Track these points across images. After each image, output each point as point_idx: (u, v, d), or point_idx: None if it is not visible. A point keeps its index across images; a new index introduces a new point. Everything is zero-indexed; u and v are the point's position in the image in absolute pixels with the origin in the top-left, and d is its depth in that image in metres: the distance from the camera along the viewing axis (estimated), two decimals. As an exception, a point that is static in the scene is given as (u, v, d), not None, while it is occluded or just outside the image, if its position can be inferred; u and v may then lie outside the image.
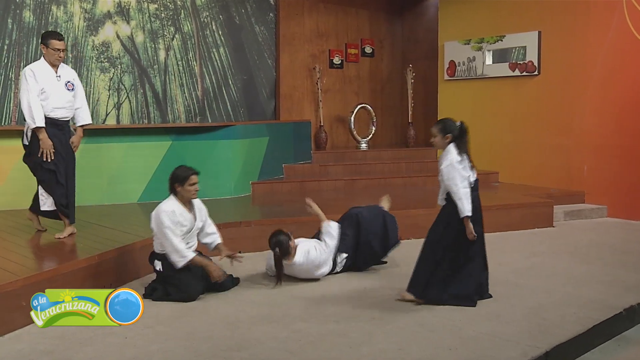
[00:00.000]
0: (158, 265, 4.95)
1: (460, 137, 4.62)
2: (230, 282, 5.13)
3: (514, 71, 9.31)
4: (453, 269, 4.61)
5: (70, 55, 8.54)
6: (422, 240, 6.86)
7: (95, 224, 6.46)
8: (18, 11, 8.19)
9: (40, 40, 5.73)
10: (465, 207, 4.47)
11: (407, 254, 6.28)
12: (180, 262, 4.84)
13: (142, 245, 5.51)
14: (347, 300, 4.80)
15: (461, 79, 10.11)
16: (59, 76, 5.64)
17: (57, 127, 5.66)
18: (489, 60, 9.69)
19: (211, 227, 5.29)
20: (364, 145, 10.71)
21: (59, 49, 5.58)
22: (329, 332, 4.13)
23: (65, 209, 5.74)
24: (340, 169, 9.60)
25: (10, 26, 8.12)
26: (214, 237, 5.28)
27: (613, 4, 8.12)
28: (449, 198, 4.62)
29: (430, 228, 4.79)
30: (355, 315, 4.44)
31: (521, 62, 9.18)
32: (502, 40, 9.43)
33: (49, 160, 5.57)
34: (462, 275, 4.60)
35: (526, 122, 9.14)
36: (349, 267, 5.60)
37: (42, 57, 5.66)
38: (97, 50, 8.79)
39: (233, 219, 6.59)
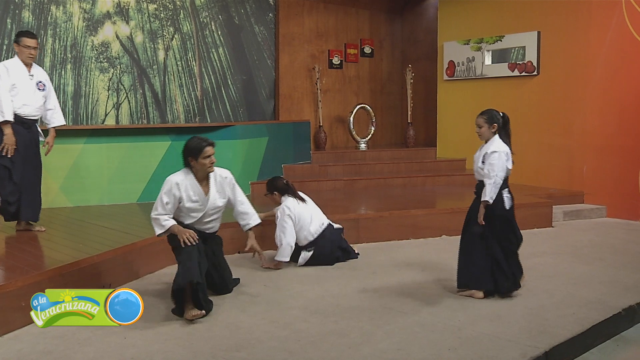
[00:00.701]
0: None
1: (504, 128, 4.73)
2: (231, 285, 5.08)
3: (513, 71, 9.32)
4: (498, 259, 4.73)
5: (70, 56, 8.53)
6: (422, 240, 6.99)
7: (95, 224, 6.47)
8: (17, 11, 8.18)
9: (13, 39, 5.83)
10: (492, 193, 4.59)
11: (407, 254, 6.30)
12: (158, 231, 4.61)
13: (142, 245, 5.52)
14: (347, 300, 4.80)
15: (460, 79, 10.12)
16: (32, 75, 5.77)
17: (24, 126, 5.70)
18: (488, 60, 9.70)
19: (244, 206, 5.02)
20: (363, 146, 10.71)
21: (29, 46, 5.71)
22: (329, 332, 4.13)
23: (9, 207, 5.73)
24: (340, 169, 9.60)
25: (9, 26, 8.11)
26: (247, 217, 5.05)
27: (612, 4, 8.12)
28: (477, 192, 4.73)
29: (467, 227, 4.88)
30: (356, 315, 4.44)
31: (520, 63, 9.19)
32: (501, 41, 9.44)
33: (8, 155, 5.58)
34: (509, 263, 4.75)
35: (525, 122, 9.14)
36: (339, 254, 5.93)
37: (15, 56, 5.78)
38: (97, 50, 8.78)
39: (232, 219, 6.55)
